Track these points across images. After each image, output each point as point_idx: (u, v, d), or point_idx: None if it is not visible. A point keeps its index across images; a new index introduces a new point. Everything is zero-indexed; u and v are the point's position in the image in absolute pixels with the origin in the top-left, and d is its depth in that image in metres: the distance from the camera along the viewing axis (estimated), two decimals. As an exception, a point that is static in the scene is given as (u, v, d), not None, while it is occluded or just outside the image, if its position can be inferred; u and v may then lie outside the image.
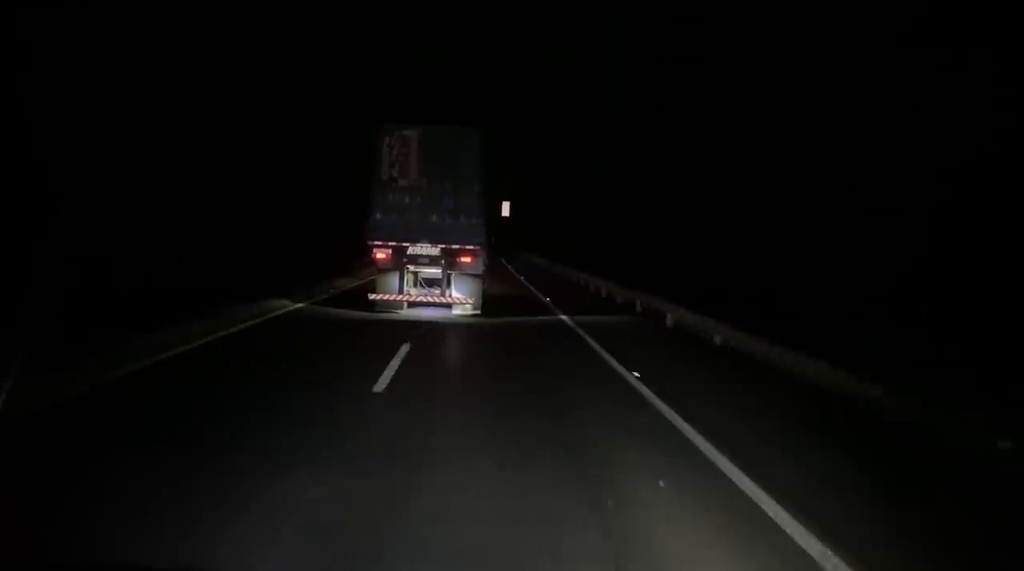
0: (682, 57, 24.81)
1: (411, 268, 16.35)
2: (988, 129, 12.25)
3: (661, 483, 5.68)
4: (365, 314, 16.05)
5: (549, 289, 24.35)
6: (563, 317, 17.34)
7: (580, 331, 14.88)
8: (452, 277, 16.37)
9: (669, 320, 16.01)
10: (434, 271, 16.41)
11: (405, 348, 11.57)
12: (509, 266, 37.57)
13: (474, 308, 16.47)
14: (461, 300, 16.38)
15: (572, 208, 43.30)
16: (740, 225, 20.15)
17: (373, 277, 17.13)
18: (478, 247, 16.24)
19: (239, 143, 31.25)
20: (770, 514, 5.15)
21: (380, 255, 16.16)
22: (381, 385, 8.92)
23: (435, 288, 16.53)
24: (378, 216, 16.09)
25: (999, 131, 12.12)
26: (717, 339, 13.21)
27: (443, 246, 16.07)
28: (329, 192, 35.54)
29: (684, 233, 23.42)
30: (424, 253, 16.14)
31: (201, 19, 27.63)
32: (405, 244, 16.07)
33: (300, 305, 17.11)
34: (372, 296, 16.37)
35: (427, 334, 13.79)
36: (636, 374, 10.20)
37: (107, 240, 17.22)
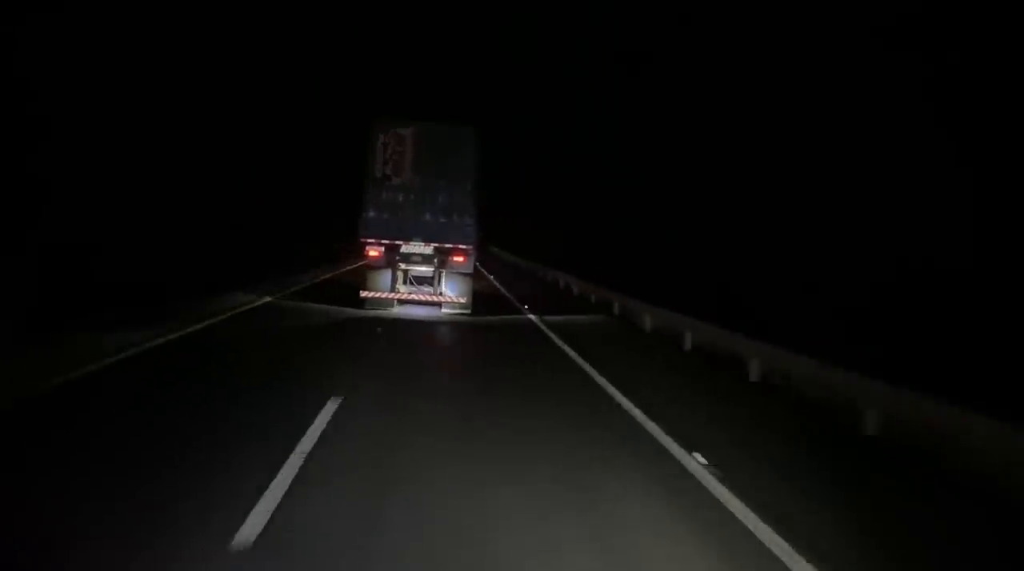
0: (674, 57, 24.85)
1: (402, 266, 16.33)
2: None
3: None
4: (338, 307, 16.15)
5: (516, 288, 24.43)
6: (531, 316, 17.50)
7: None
8: (443, 275, 16.35)
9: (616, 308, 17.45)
10: (425, 269, 16.40)
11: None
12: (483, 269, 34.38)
13: (464, 307, 16.43)
14: (452, 299, 16.35)
15: (551, 206, 42.42)
16: (733, 225, 20.10)
17: (346, 269, 17.11)
18: (470, 247, 16.24)
19: (241, 147, 31.52)
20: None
21: (373, 253, 16.11)
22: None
23: (425, 286, 16.52)
24: (371, 214, 16.07)
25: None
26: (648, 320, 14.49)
27: (436, 245, 16.06)
28: (328, 193, 35.70)
29: (667, 234, 23.41)
30: (417, 252, 16.13)
31: (203, 24, 27.96)
32: (398, 242, 16.05)
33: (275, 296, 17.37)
34: (363, 293, 16.34)
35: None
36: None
37: (117, 240, 17.63)
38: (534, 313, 17.80)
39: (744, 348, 10.97)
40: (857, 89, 16.96)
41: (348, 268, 26.39)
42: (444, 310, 16.57)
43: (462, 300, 16.40)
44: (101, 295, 12.50)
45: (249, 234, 27.10)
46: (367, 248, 16.13)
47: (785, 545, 4.62)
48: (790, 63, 18.44)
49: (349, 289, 17.50)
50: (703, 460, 6.29)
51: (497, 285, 26.41)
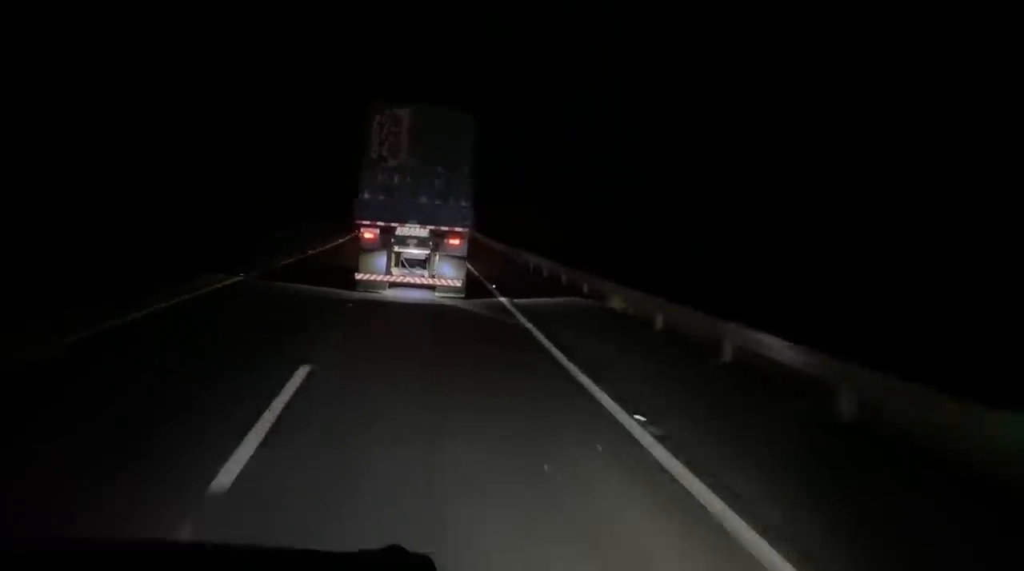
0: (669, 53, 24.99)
1: (397, 248, 16.16)
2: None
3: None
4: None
5: (502, 275, 24.26)
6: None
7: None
8: (437, 258, 16.21)
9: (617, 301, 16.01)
10: (420, 252, 16.23)
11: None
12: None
13: (458, 291, 16.25)
14: (446, 282, 16.19)
15: (539, 194, 41.71)
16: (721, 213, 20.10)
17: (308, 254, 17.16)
18: (466, 230, 16.10)
19: (243, 150, 31.64)
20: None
21: (368, 235, 15.93)
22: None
23: (419, 269, 16.35)
24: (366, 195, 15.87)
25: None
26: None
27: (432, 228, 15.89)
28: (325, 193, 35.78)
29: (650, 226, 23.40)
30: (413, 234, 15.96)
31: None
32: (394, 225, 15.88)
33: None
34: (357, 276, 16.17)
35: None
36: None
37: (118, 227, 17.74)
38: (505, 296, 17.48)
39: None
40: (855, 87, 17.05)
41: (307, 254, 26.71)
42: (437, 294, 16.41)
43: (456, 283, 16.23)
44: (99, 274, 13.15)
45: (242, 227, 27.18)
46: (362, 230, 15.95)
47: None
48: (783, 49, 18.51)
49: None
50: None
51: (476, 272, 26.40)
